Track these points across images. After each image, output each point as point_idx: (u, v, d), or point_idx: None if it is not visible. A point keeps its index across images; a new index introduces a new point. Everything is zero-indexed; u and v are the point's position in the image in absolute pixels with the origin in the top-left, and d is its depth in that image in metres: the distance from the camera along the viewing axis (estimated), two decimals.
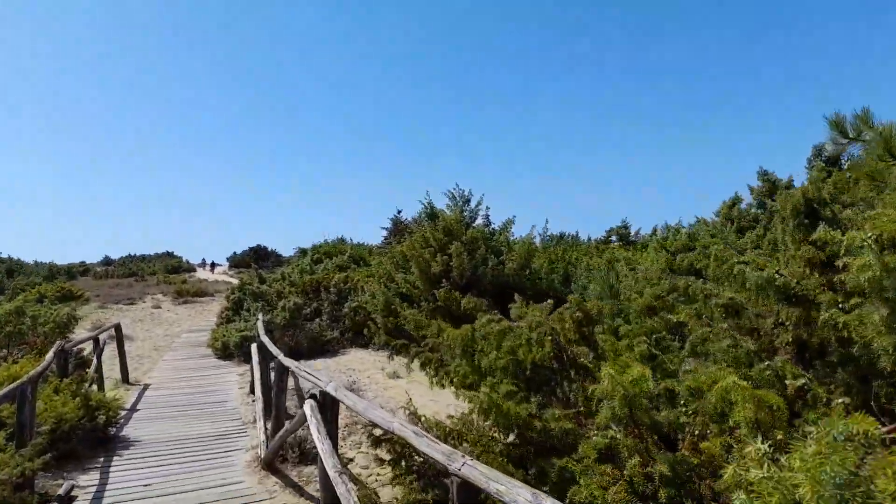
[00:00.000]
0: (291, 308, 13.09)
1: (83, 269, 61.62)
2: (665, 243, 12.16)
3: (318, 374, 5.00)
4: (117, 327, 11.22)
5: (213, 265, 69.01)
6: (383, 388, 9.33)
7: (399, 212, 34.80)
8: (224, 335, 13.55)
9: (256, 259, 69.79)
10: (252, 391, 9.70)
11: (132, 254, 77.51)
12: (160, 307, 25.47)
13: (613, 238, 19.29)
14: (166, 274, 50.78)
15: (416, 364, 11.79)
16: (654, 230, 14.96)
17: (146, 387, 10.69)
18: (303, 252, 18.52)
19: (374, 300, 13.23)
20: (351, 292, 14.52)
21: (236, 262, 73.22)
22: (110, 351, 11.90)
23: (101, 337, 9.40)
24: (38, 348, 9.39)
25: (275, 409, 6.59)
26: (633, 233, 18.84)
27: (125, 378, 11.21)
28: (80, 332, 16.00)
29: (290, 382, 8.18)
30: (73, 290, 29.82)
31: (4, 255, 41.96)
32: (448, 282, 11.93)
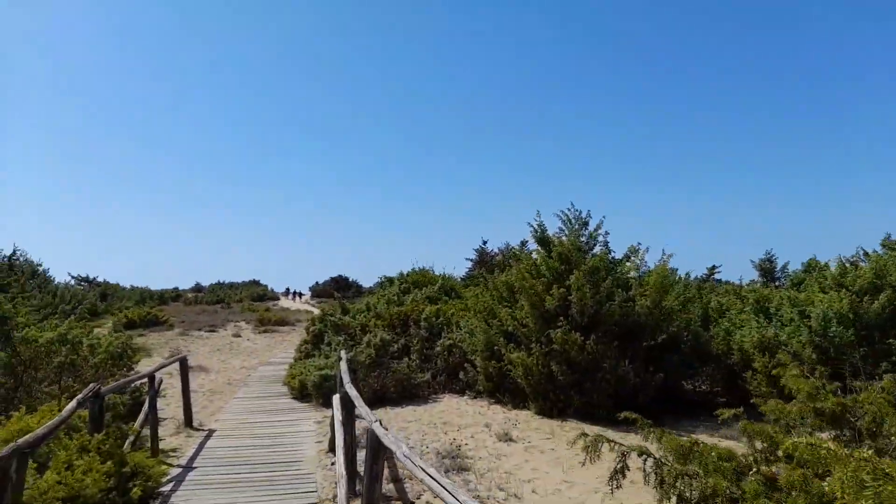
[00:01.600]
0: (377, 344, 11.21)
1: (175, 295, 63.01)
2: (845, 280, 9.47)
3: (449, 487, 2.91)
4: (182, 361, 9.64)
5: (296, 294, 69.17)
6: (495, 458, 7.15)
7: (485, 242, 32.82)
8: (301, 372, 11.80)
9: (338, 289, 69.54)
10: (331, 449, 7.77)
11: (221, 281, 79.19)
12: (240, 336, 24.38)
13: (750, 276, 16.39)
14: (251, 302, 50.85)
15: (530, 421, 9.56)
16: (812, 264, 12.18)
17: (210, 434, 8.99)
18: (388, 281, 16.82)
19: (473, 339, 11.16)
20: (444, 328, 12.52)
21: (318, 291, 73.31)
22: (177, 388, 10.38)
23: (158, 375, 7.80)
24: (82, 385, 7.87)
25: None
26: (778, 267, 15.98)
27: (188, 421, 9.56)
28: (147, 364, 14.78)
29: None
30: (158, 315, 29.46)
31: (101, 280, 42.74)
32: (566, 320, 9.71)
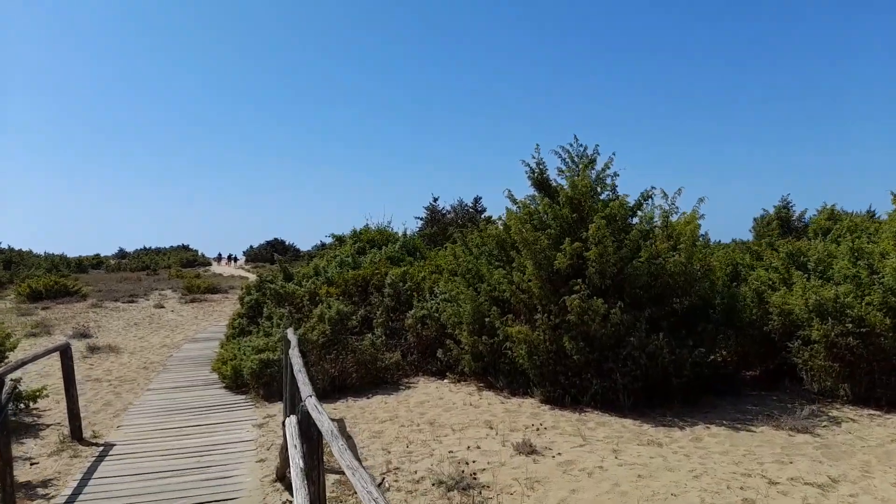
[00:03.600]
0: (333, 318, 8.64)
1: (96, 262, 57.92)
2: None
3: None
4: (63, 352, 6.77)
5: (231, 258, 65.03)
6: (527, 487, 4.81)
7: (435, 199, 30.28)
8: (235, 356, 9.11)
9: (274, 253, 65.78)
10: (279, 478, 5.25)
11: (147, 247, 73.94)
12: (163, 306, 21.13)
13: None
14: (180, 268, 46.84)
15: (540, 415, 7.24)
16: (832, 212, 10.34)
17: (106, 450, 6.27)
18: (337, 240, 14.12)
19: (454, 308, 8.76)
20: (413, 295, 10.04)
21: (253, 255, 69.08)
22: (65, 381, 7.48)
23: (6, 387, 4.97)
24: None
25: None
26: (795, 216, 14.19)
27: (76, 432, 6.76)
28: (31, 350, 11.62)
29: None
30: (69, 284, 25.59)
31: (4, 246, 37.82)
32: (584, 283, 7.42)
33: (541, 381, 7.64)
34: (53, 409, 8.32)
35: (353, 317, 9.43)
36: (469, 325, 8.35)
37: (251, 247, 71.01)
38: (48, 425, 7.56)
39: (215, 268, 54.41)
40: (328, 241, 19.71)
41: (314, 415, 3.45)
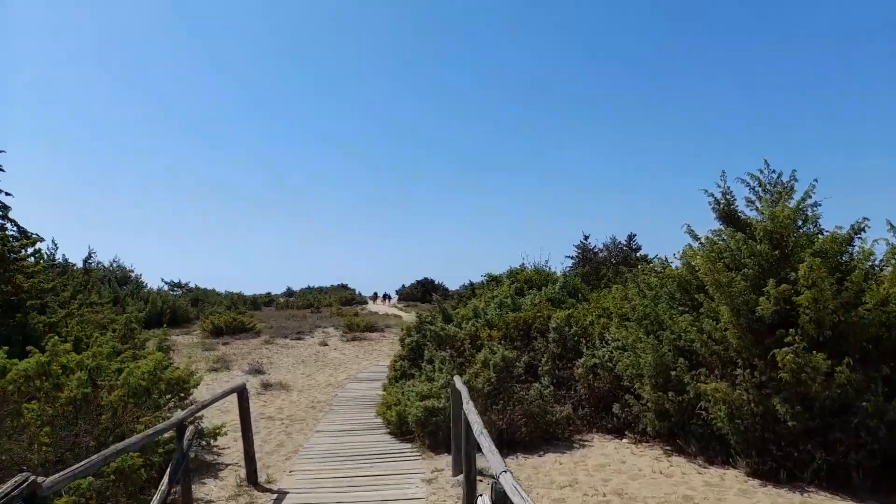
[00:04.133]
0: (499, 364, 8.13)
1: (268, 300, 62.87)
2: None
3: None
4: (240, 393, 6.90)
5: (385, 297, 67.69)
6: None
7: (586, 237, 29.13)
8: (398, 401, 8.89)
9: (425, 292, 67.48)
10: None
11: (311, 286, 79.22)
12: (327, 344, 22.02)
13: None
14: (340, 306, 49.38)
15: (752, 494, 6.04)
16: None
17: (280, 498, 6.19)
18: (493, 280, 13.73)
19: (631, 358, 7.85)
20: (580, 341, 9.26)
21: (405, 294, 71.51)
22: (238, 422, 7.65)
23: (188, 432, 5.05)
24: (98, 435, 5.24)
25: None
26: None
27: (251, 476, 6.81)
28: (217, 383, 12.33)
29: None
30: (245, 321, 27.75)
31: (193, 285, 42.23)
32: (797, 333, 6.24)
33: (745, 449, 6.49)
34: (231, 448, 8.57)
35: (518, 363, 8.84)
36: (651, 378, 7.40)
37: (403, 286, 73.53)
38: (226, 465, 7.73)
39: (371, 306, 56.72)
40: (479, 279, 19.45)
41: (515, 500, 2.88)
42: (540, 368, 9.10)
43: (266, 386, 13.37)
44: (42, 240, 19.29)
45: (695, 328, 7.11)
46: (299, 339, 23.59)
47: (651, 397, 7.37)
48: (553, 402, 8.36)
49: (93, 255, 20.87)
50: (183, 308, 34.19)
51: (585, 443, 8.00)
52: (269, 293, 68.25)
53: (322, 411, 11.09)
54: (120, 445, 3.63)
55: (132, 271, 34.84)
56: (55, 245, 25.98)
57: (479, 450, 5.28)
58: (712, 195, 7.86)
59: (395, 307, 56.04)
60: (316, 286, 78.40)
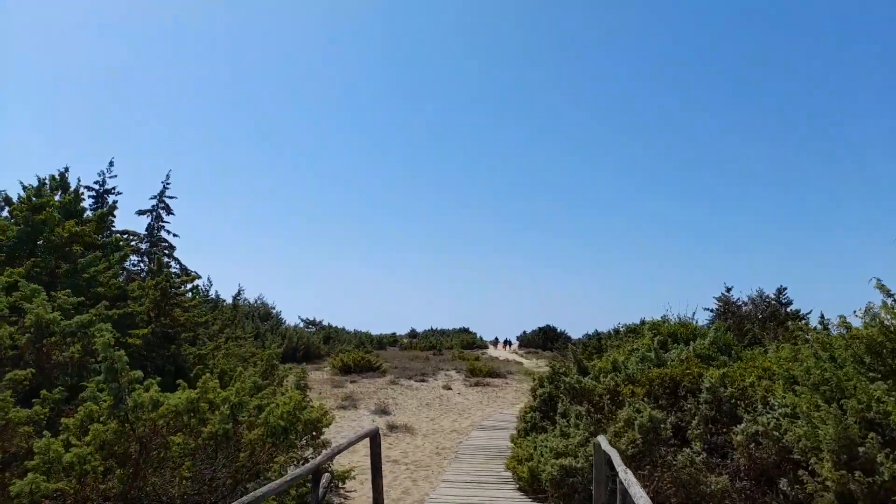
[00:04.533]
0: (645, 425, 7.36)
1: (392, 340, 64.36)
2: None
3: None
4: (373, 437, 6.72)
5: (506, 342, 67.02)
6: None
7: (729, 289, 26.96)
8: (531, 456, 8.33)
9: (545, 340, 65.89)
10: None
11: (434, 327, 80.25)
12: (450, 388, 21.78)
13: None
14: (461, 349, 49.37)
15: None
16: None
17: None
18: (630, 331, 12.83)
19: (809, 428, 6.76)
20: (739, 404, 8.22)
21: (525, 341, 70.23)
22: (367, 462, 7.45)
23: (324, 479, 4.90)
24: (234, 473, 5.22)
25: None
26: None
27: None
28: (345, 423, 12.39)
29: None
30: (372, 360, 28.36)
31: (325, 323, 44.13)
32: None
33: None
34: (358, 491, 8.42)
35: (664, 425, 7.97)
36: (832, 453, 6.30)
37: (524, 332, 72.42)
38: None
39: (491, 351, 56.21)
40: (607, 330, 18.48)
41: None
42: (689, 432, 8.14)
43: (391, 427, 13.28)
44: (199, 277, 20.86)
45: (892, 398, 5.97)
46: (423, 380, 23.59)
47: (831, 476, 6.25)
48: (706, 471, 7.40)
49: (242, 291, 22.33)
50: (315, 345, 35.73)
51: None
52: (393, 333, 69.88)
53: (447, 458, 10.74)
54: (260, 493, 3.49)
55: (273, 308, 37.05)
56: (210, 282, 28.25)
57: None
58: None
59: (516, 353, 55.16)
60: (438, 328, 79.33)
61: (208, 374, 5.71)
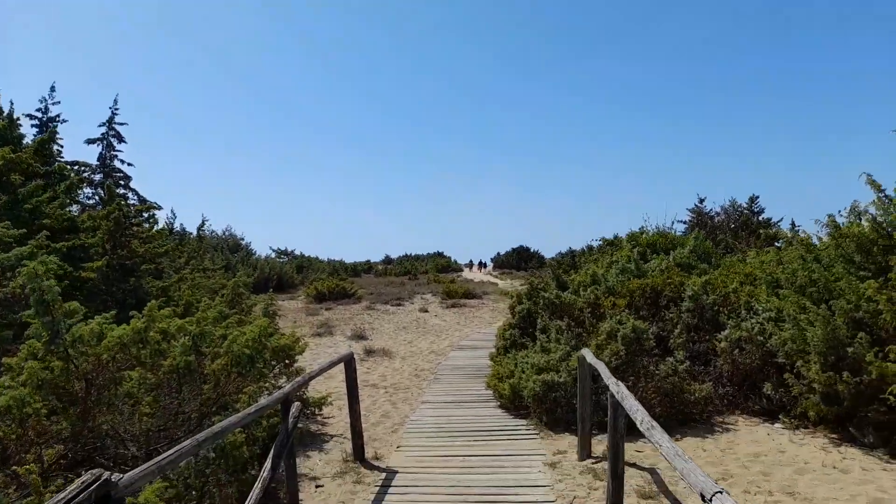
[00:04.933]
0: (629, 336, 7.14)
1: (367, 267, 64.15)
2: None
3: None
4: (347, 363, 6.36)
5: (481, 264, 67.34)
6: None
7: (702, 200, 27.04)
8: (511, 373, 8.14)
9: (520, 260, 66.33)
10: None
11: (408, 253, 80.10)
12: (427, 310, 21.68)
13: None
14: (436, 273, 49.38)
15: None
16: None
17: (389, 478, 5.61)
18: (609, 244, 12.54)
19: (796, 331, 6.60)
20: (721, 311, 8.06)
21: (500, 262, 70.62)
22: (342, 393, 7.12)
23: (294, 409, 4.53)
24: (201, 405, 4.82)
25: None
26: None
27: (358, 452, 6.29)
28: (317, 359, 12.06)
29: None
30: (347, 287, 28.05)
31: (298, 252, 43.51)
32: None
33: None
34: (336, 417, 8.19)
35: (647, 335, 7.78)
36: (820, 355, 6.16)
37: (498, 253, 72.71)
38: (332, 436, 7.31)
39: (466, 274, 56.45)
40: (581, 248, 18.31)
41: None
42: (672, 341, 8.00)
43: (369, 352, 13.07)
44: (159, 208, 19.96)
45: (883, 296, 5.77)
46: (399, 305, 23.43)
47: (819, 378, 6.13)
48: (689, 380, 7.28)
49: (206, 222, 21.49)
50: (288, 274, 35.20)
51: (728, 426, 6.89)
52: (368, 260, 69.58)
53: (426, 380, 10.58)
54: (216, 428, 3.08)
55: (242, 239, 36.21)
56: (174, 215, 27.17)
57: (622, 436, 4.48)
58: None
59: (491, 274, 55.51)
60: (413, 254, 79.22)
61: (154, 302, 5.19)
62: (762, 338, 7.13)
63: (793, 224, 25.57)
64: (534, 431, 7.05)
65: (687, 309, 8.19)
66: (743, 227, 23.51)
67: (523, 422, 7.44)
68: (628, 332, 7.20)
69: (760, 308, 7.40)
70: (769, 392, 6.90)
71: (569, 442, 6.59)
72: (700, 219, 25.77)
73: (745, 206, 25.22)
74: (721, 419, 7.14)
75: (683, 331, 8.01)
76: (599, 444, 6.20)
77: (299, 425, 7.39)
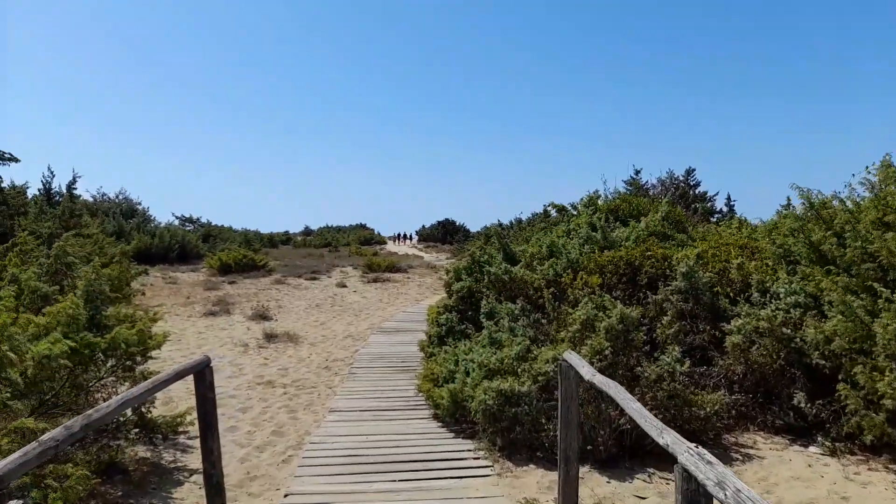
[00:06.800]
0: (615, 328, 5.16)
1: (285, 238, 60.38)
2: None
3: None
4: (198, 375, 3.94)
5: (405, 237, 65.13)
6: None
7: (637, 172, 25.74)
8: (451, 376, 5.99)
9: (445, 233, 64.53)
10: None
11: (330, 224, 76.61)
12: (346, 285, 19.24)
13: None
14: (358, 245, 46.76)
15: None
16: None
17: None
18: (558, 210, 10.57)
19: (843, 322, 4.79)
20: (721, 292, 6.20)
21: (425, 235, 68.54)
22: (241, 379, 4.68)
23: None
24: None
25: None
26: None
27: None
28: (203, 346, 9.38)
29: None
30: (256, 259, 25.05)
31: (205, 220, 39.61)
32: None
33: None
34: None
35: (637, 326, 5.80)
36: (891, 357, 4.35)
37: (423, 226, 70.69)
38: (192, 472, 4.91)
39: (390, 246, 54.20)
40: (514, 217, 16.41)
41: None
42: (660, 332, 6.07)
43: (270, 337, 10.59)
44: (15, 160, 16.21)
45: None
46: (314, 279, 20.85)
47: (888, 390, 4.34)
48: (691, 386, 5.38)
49: (78, 178, 17.94)
50: (193, 244, 31.63)
51: (748, 449, 5.05)
52: (286, 232, 65.73)
53: (339, 374, 8.31)
54: None
55: (139, 204, 32.16)
56: (52, 173, 23.07)
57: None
58: None
59: (415, 247, 53.49)
60: (334, 225, 75.84)
61: None
62: (788, 330, 5.30)
63: (728, 198, 24.86)
64: (486, 461, 4.94)
65: (678, 290, 6.28)
66: (680, 200, 22.46)
67: (469, 444, 5.31)
68: (615, 322, 5.18)
69: (782, 291, 5.58)
70: (801, 404, 5.10)
71: (538, 481, 4.54)
72: (637, 191, 24.57)
73: (681, 178, 24.25)
74: (734, 438, 5.30)
75: (675, 318, 6.10)
76: (583, 484, 4.18)
77: (145, 455, 4.95)
